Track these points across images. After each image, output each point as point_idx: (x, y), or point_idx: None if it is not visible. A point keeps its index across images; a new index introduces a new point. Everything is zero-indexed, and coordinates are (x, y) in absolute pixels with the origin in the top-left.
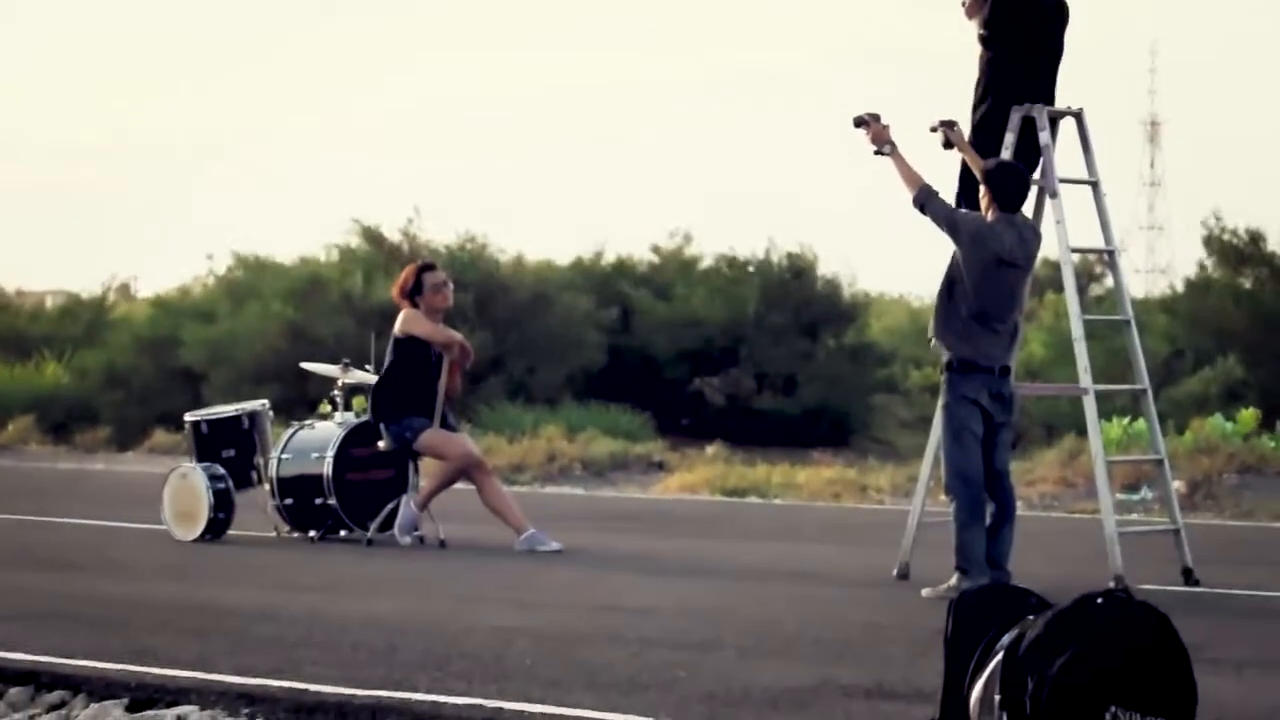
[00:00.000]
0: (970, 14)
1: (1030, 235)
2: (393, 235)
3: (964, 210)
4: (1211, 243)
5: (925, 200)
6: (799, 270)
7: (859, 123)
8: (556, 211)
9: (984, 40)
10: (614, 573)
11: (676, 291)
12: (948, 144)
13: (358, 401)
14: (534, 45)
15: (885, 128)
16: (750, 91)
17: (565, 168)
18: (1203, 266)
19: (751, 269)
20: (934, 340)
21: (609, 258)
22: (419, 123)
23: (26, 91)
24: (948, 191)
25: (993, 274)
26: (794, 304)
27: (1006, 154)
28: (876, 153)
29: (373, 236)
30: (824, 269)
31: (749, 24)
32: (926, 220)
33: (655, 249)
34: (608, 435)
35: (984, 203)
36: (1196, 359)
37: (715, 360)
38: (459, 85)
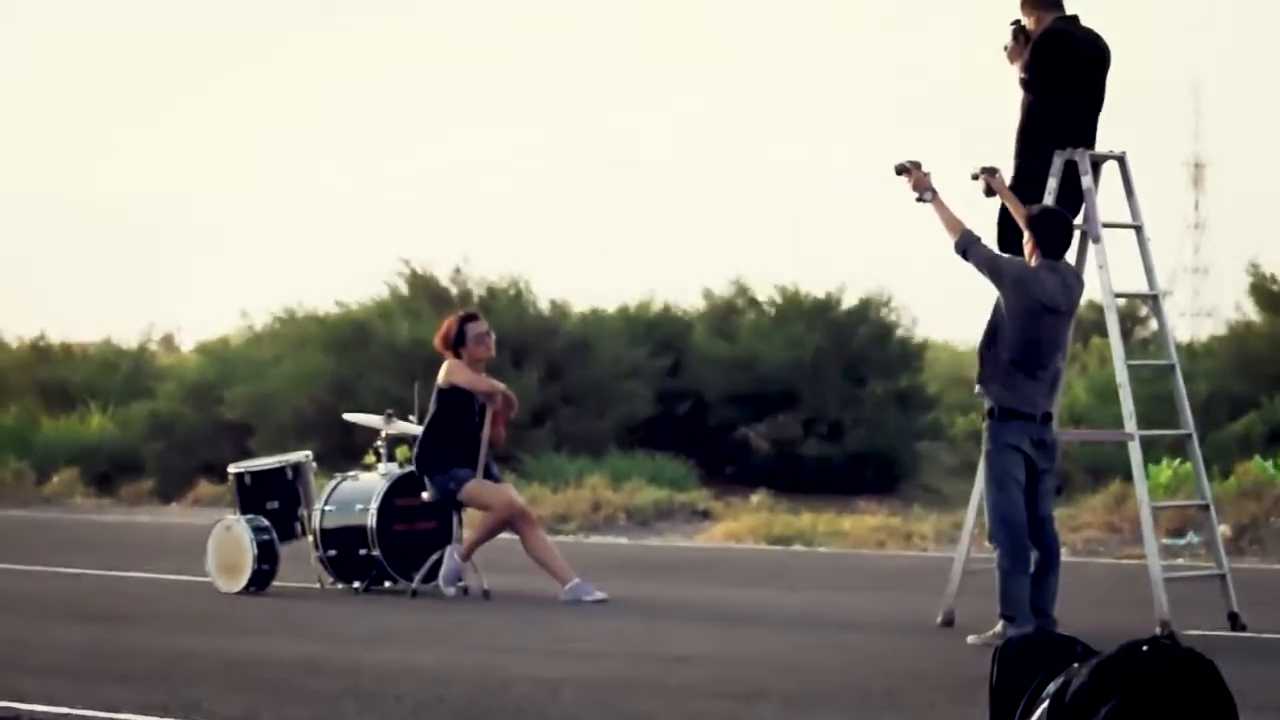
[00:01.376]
0: (1011, 59)
1: (1073, 281)
2: (435, 276)
3: (1006, 255)
4: (1255, 288)
5: (967, 246)
6: (865, 314)
7: (900, 170)
8: (602, 254)
9: (1025, 85)
10: (659, 622)
11: (730, 332)
12: (989, 191)
13: (401, 452)
14: (577, 88)
15: (926, 175)
16: (807, 132)
17: (612, 212)
18: (1242, 310)
19: (812, 308)
20: (979, 388)
21: (657, 304)
22: (462, 166)
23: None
24: (989, 237)
25: (1035, 320)
26: (857, 349)
27: (1049, 199)
28: (918, 199)
29: (420, 282)
30: (885, 314)
31: (801, 64)
32: (970, 266)
33: (708, 294)
34: (652, 484)
35: (1027, 248)
36: (1241, 402)
37: (766, 405)
38: (500, 130)
